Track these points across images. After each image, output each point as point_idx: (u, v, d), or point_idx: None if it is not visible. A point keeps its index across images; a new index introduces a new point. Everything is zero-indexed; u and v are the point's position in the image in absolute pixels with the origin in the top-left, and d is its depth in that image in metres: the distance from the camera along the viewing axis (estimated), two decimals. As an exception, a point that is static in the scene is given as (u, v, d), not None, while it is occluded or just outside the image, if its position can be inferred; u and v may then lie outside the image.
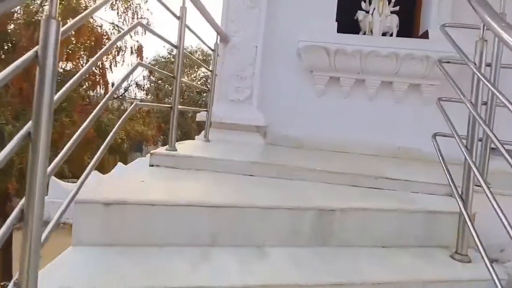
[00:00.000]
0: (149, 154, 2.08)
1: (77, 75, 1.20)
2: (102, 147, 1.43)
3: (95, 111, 1.29)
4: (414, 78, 3.26)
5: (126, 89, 12.46)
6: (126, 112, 1.69)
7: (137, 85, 12.97)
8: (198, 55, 18.85)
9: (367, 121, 3.41)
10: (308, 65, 3.31)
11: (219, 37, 3.16)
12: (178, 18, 2.09)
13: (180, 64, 2.19)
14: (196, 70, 17.27)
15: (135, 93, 13.08)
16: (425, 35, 3.25)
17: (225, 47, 3.30)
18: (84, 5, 9.06)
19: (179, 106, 2.24)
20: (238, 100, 3.30)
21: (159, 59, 18.35)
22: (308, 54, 3.22)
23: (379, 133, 3.38)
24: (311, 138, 3.40)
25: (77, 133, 1.20)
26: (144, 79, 14.42)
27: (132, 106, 1.85)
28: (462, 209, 1.49)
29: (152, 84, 16.12)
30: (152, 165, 2.01)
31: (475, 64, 1.60)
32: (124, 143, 10.54)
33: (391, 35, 3.37)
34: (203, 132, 3.19)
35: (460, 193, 1.55)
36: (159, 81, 16.30)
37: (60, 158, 1.13)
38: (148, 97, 14.87)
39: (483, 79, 1.44)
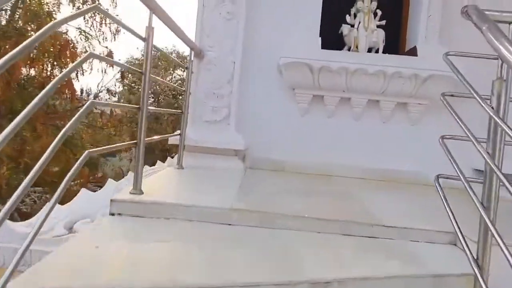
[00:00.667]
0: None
1: (43, 91, 1.12)
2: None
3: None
4: (402, 97, 3.08)
5: (96, 95, 11.85)
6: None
7: (108, 90, 12.36)
8: (174, 57, 18.38)
9: (353, 141, 3.20)
10: (290, 82, 3.06)
11: (193, 52, 2.87)
12: (144, 40, 1.79)
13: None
14: (172, 72, 16.74)
15: (107, 99, 12.47)
16: (412, 51, 3.07)
17: (199, 63, 3.01)
18: (47, 10, 8.52)
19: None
20: (214, 121, 3.02)
21: (132, 61, 17.74)
22: (290, 71, 2.98)
23: (365, 155, 3.18)
24: (294, 161, 3.16)
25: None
26: (115, 85, 13.82)
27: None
28: (478, 274, 1.28)
29: (125, 88, 15.52)
30: (113, 214, 1.71)
31: (492, 108, 1.38)
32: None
33: (377, 50, 3.17)
34: (176, 157, 2.89)
35: (475, 257, 1.33)
36: (133, 84, 15.73)
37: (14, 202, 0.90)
38: (121, 102, 14.29)
39: (504, 127, 1.22)
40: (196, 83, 3.02)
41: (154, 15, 1.86)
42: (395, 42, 3.33)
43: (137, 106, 1.95)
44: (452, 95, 1.76)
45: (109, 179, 4.06)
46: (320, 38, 3.01)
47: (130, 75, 14.60)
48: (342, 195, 2.43)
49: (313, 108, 3.17)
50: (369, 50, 3.16)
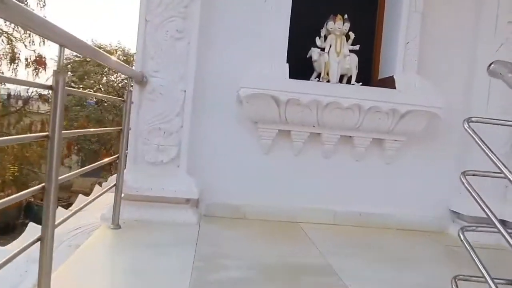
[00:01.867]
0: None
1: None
2: None
3: None
4: (378, 133, 2.72)
5: (26, 102, 10.52)
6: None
7: (40, 96, 10.96)
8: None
9: (322, 182, 2.80)
10: (253, 116, 2.59)
11: (133, 79, 2.31)
12: (50, 89, 1.21)
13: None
14: (114, 73, 15.45)
15: (38, 106, 11.14)
16: (389, 82, 2.72)
17: (142, 91, 2.45)
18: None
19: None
20: (161, 163, 2.48)
21: (73, 57, 16.27)
22: (252, 103, 2.50)
23: (337, 197, 2.80)
24: (255, 206, 2.70)
25: None
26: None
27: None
28: None
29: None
30: None
31: None
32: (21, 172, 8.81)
33: (350, 78, 2.79)
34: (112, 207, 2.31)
35: None
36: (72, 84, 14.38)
37: None
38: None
39: None
40: (137, 116, 2.45)
41: (68, 49, 1.30)
42: (367, 68, 2.97)
43: (45, 134, 1.28)
44: (475, 175, 1.37)
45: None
46: (287, 65, 2.57)
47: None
48: (309, 269, 2.00)
49: (278, 144, 2.72)
50: (341, 78, 2.78)
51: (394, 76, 2.67)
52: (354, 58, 2.78)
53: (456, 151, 2.90)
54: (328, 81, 2.70)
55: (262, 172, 2.73)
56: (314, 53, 2.73)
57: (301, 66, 2.75)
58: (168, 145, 2.47)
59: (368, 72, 2.98)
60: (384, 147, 2.80)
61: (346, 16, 2.76)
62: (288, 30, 2.60)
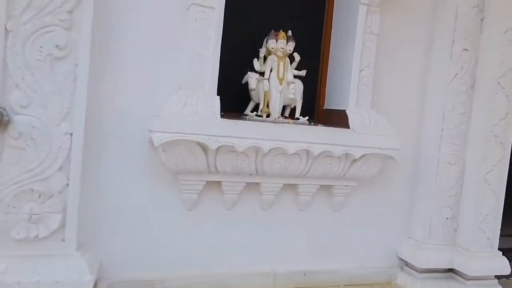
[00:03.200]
0: None
1: None
2: None
3: None
4: (327, 179, 2.26)
5: None
6: None
7: None
8: None
9: (261, 239, 2.26)
10: (171, 166, 1.93)
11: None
12: None
13: None
14: None
15: None
16: (340, 117, 2.26)
17: (1, 136, 1.64)
18: None
19: None
20: (35, 239, 1.71)
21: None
22: (171, 152, 1.85)
23: (278, 256, 2.29)
24: (175, 279, 2.07)
25: None
26: None
27: None
28: None
29: None
30: None
31: None
32: None
33: (294, 109, 2.27)
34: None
35: None
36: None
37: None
38: None
39: None
40: (-6, 173, 1.65)
41: None
42: (311, 96, 2.47)
43: None
44: None
45: None
46: (218, 98, 1.94)
47: None
48: None
49: (205, 198, 2.10)
50: (283, 109, 2.24)
51: (347, 112, 2.21)
52: (300, 86, 2.26)
53: (406, 193, 2.58)
54: (268, 115, 2.14)
55: (185, 233, 2.10)
56: (252, 79, 2.14)
57: (233, 94, 2.16)
58: (46, 213, 1.71)
59: (312, 100, 2.49)
60: (332, 193, 2.35)
61: (290, 33, 2.21)
62: (220, 49, 1.97)
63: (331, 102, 2.44)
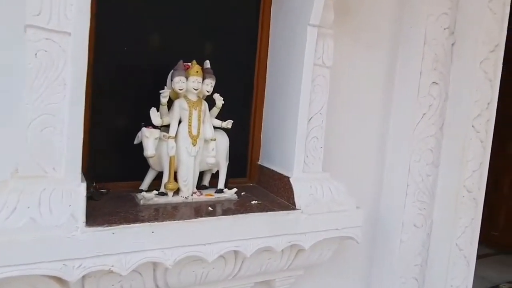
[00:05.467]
0: None
1: None
2: None
3: None
4: (265, 275, 1.59)
5: None
6: None
7: None
8: None
9: None
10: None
11: None
12: None
13: None
14: None
15: None
16: (282, 186, 1.59)
17: None
18: None
19: None
20: None
21: None
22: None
23: None
24: None
25: None
26: None
27: None
28: None
29: None
30: None
31: None
32: None
33: (217, 173, 1.56)
34: None
35: None
36: None
37: None
38: None
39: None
40: None
41: None
42: (239, 147, 1.78)
43: None
44: None
45: None
46: (83, 186, 1.15)
47: None
48: None
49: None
50: (201, 176, 1.52)
51: (292, 181, 1.54)
52: (224, 143, 1.55)
53: (364, 269, 2.02)
54: (177, 191, 1.41)
55: None
56: (148, 140, 1.37)
57: (125, 154, 1.40)
58: None
59: (242, 149, 1.79)
60: (272, 286, 1.69)
61: (207, 64, 1.48)
62: (84, 100, 1.17)
63: (269, 154, 1.76)
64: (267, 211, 1.41)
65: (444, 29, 1.96)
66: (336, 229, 1.56)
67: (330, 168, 1.69)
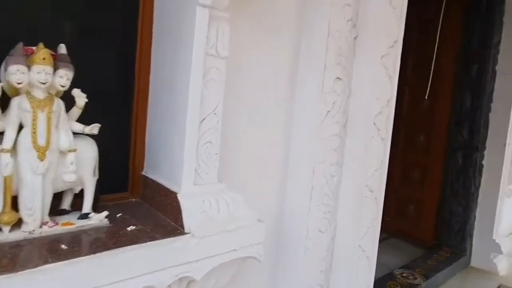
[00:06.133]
0: None
1: None
2: None
3: None
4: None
5: None
6: None
7: None
8: None
9: None
10: None
11: None
12: None
13: None
14: None
15: None
16: (169, 204, 1.29)
17: None
18: None
19: None
20: None
21: None
22: None
23: None
24: None
25: None
26: None
27: None
28: None
29: None
30: None
31: None
32: None
33: (81, 193, 1.20)
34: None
35: None
36: None
37: None
38: None
39: None
40: None
41: None
42: (121, 161, 1.43)
43: None
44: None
45: None
46: None
47: None
48: None
49: None
50: (56, 199, 1.15)
51: (180, 198, 1.25)
52: (90, 154, 1.19)
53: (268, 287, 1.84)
54: (18, 223, 1.02)
55: None
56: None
57: None
58: None
59: (124, 163, 1.45)
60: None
61: (63, 49, 1.10)
62: None
63: (155, 163, 1.44)
64: (146, 241, 1.10)
65: (347, 21, 1.83)
66: (235, 249, 1.33)
67: (227, 178, 1.45)
